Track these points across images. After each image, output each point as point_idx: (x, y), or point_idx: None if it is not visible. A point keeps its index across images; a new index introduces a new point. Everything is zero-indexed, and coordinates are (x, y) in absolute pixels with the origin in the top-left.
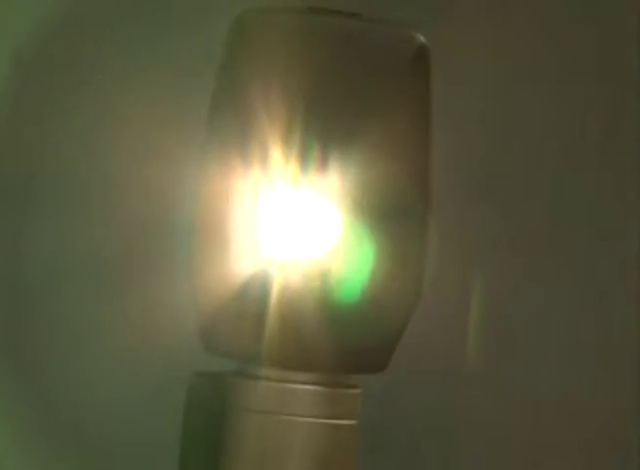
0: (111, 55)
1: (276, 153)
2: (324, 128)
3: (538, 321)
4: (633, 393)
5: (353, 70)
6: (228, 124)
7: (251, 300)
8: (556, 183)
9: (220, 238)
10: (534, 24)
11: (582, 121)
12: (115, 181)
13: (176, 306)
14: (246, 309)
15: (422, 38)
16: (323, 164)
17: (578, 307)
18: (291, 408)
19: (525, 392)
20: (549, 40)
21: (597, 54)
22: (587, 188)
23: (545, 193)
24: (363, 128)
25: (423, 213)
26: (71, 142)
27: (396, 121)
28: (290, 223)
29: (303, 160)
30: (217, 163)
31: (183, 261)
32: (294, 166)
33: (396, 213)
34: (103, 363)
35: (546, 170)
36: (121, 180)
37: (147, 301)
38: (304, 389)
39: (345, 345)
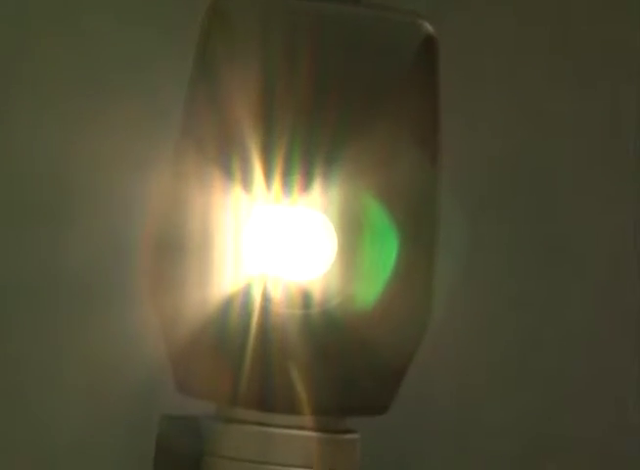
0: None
1: (259, 161)
2: (317, 132)
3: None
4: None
5: (351, 64)
6: (204, 127)
7: (229, 331)
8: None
9: (193, 258)
10: (547, 17)
11: (604, 120)
12: (82, 192)
13: (144, 338)
14: (223, 342)
15: (429, 28)
16: (318, 172)
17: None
18: (276, 456)
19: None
20: (563, 34)
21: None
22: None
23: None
24: (362, 131)
25: (432, 230)
26: (31, 148)
27: (400, 123)
28: (277, 242)
29: (293, 169)
30: (189, 168)
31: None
32: (282, 176)
33: (402, 230)
34: (61, 402)
35: (563, 179)
36: (88, 189)
37: (110, 331)
38: (292, 434)
39: (341, 383)
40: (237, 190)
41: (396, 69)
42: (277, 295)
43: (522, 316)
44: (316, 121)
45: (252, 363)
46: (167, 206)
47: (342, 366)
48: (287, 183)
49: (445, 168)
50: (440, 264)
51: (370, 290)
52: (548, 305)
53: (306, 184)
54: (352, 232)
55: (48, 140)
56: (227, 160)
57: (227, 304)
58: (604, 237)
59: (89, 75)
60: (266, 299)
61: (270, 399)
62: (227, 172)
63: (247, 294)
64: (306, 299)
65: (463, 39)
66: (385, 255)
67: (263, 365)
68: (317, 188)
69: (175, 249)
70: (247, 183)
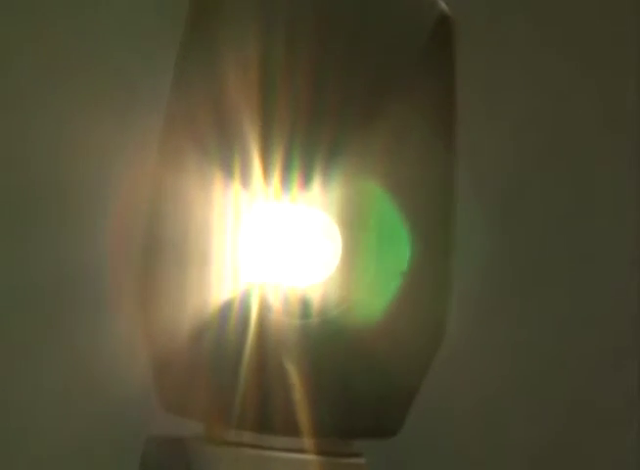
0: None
1: (257, 154)
2: (320, 121)
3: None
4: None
5: (358, 47)
6: (195, 115)
7: (222, 342)
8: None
9: (184, 261)
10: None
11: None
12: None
13: (128, 350)
14: (215, 356)
15: (444, 6)
16: (320, 166)
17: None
18: None
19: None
20: (586, 18)
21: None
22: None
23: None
24: (370, 119)
25: (448, 230)
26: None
27: (412, 110)
28: (275, 244)
29: (292, 162)
30: (180, 162)
31: (136, 293)
32: (282, 170)
33: (414, 230)
34: (37, 422)
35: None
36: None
37: (91, 343)
38: (291, 458)
39: (345, 402)
40: (233, 187)
41: (408, 51)
42: (275, 303)
43: (546, 327)
44: (319, 110)
45: (248, 379)
46: (156, 203)
47: (345, 383)
48: (286, 178)
49: (463, 161)
50: (458, 270)
51: (377, 297)
52: (572, 314)
53: (307, 179)
54: (358, 232)
55: (37, 136)
56: (221, 153)
57: (221, 312)
58: (629, 244)
59: (85, 65)
60: (264, 307)
61: (267, 419)
62: (222, 167)
63: (242, 301)
64: (306, 307)
65: (482, 19)
66: (394, 258)
67: (260, 382)
68: (319, 183)
69: (165, 251)
70: (243, 179)
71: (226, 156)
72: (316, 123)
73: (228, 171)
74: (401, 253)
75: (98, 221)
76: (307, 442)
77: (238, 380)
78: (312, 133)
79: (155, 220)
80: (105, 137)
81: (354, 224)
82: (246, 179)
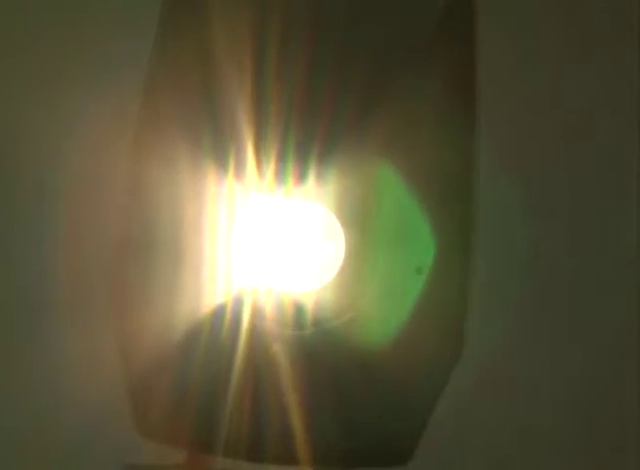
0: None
1: (251, 148)
2: (320, 99)
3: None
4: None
5: (363, 22)
6: (179, 101)
7: (206, 359)
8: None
9: (168, 262)
10: None
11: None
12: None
13: (98, 369)
14: (200, 372)
15: None
16: (319, 151)
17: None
18: None
19: None
20: None
21: None
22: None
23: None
24: (379, 102)
25: (466, 225)
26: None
27: (428, 89)
28: (269, 244)
29: (287, 148)
30: (166, 152)
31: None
32: (278, 165)
33: (429, 225)
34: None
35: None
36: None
37: (60, 360)
38: None
39: (346, 426)
40: (225, 180)
41: (423, 24)
42: (269, 310)
43: (584, 341)
44: (317, 92)
45: (236, 400)
46: (139, 199)
47: (346, 404)
48: (281, 170)
49: (485, 145)
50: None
51: (387, 305)
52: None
53: (304, 169)
54: (363, 229)
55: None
56: (212, 143)
57: (209, 322)
58: None
59: (71, 53)
60: (256, 315)
61: (257, 445)
62: (213, 159)
63: (233, 309)
64: (303, 316)
65: None
66: (408, 256)
67: (250, 403)
68: (317, 174)
69: (147, 252)
70: (236, 172)
71: (217, 146)
72: (313, 109)
73: (220, 164)
74: (418, 249)
75: (66, 223)
76: None
77: (225, 401)
78: (309, 120)
79: (135, 218)
80: (81, 129)
81: (358, 219)
82: (238, 172)
